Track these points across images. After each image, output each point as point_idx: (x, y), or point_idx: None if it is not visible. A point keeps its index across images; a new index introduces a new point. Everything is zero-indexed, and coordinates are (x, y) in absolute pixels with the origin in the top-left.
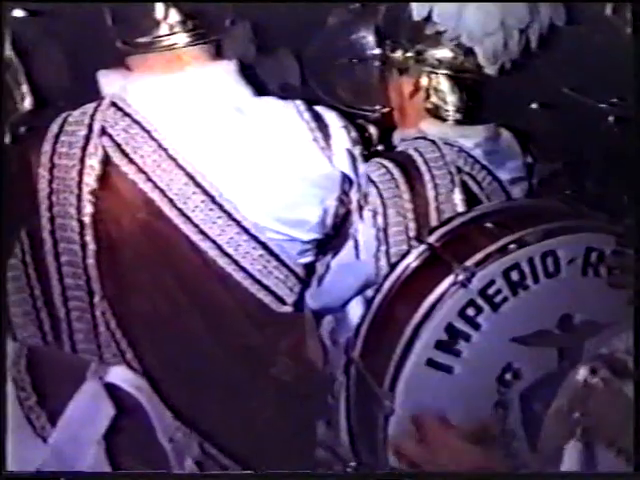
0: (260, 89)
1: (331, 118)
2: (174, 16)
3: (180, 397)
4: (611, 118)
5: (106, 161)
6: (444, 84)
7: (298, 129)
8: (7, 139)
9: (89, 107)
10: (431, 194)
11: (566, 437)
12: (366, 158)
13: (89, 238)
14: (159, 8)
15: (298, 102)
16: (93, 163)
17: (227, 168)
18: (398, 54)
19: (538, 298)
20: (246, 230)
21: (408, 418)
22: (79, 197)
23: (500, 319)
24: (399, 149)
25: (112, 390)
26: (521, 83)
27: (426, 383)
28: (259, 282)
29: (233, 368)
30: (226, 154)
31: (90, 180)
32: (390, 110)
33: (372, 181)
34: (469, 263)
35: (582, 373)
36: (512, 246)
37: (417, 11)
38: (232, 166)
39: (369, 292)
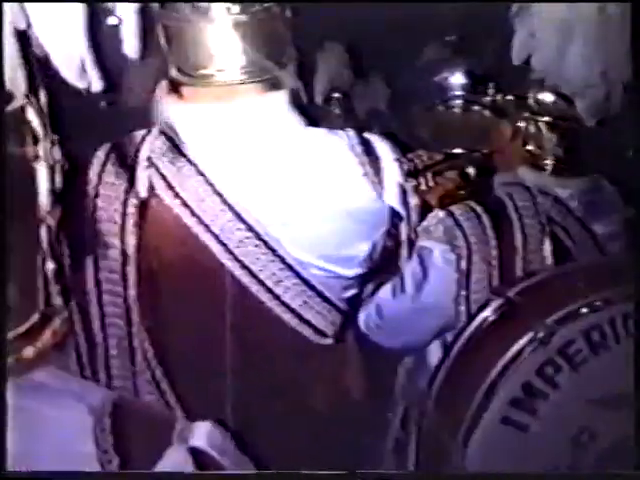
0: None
1: (383, 150)
2: (233, 50)
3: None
4: None
5: (151, 192)
6: (544, 131)
7: (348, 163)
8: None
9: (138, 135)
10: (519, 243)
11: None
12: (460, 199)
13: (131, 268)
14: (216, 41)
15: (351, 134)
16: (138, 194)
17: (273, 203)
18: (498, 97)
19: (619, 359)
20: (289, 266)
21: None
22: (122, 227)
23: (579, 379)
24: (495, 193)
25: (198, 455)
26: (624, 133)
27: (500, 441)
28: (299, 316)
29: (272, 401)
30: (273, 188)
31: (134, 211)
32: (490, 152)
33: (459, 224)
34: (550, 320)
35: None
36: (596, 305)
37: (516, 55)
38: (278, 201)
39: (448, 338)
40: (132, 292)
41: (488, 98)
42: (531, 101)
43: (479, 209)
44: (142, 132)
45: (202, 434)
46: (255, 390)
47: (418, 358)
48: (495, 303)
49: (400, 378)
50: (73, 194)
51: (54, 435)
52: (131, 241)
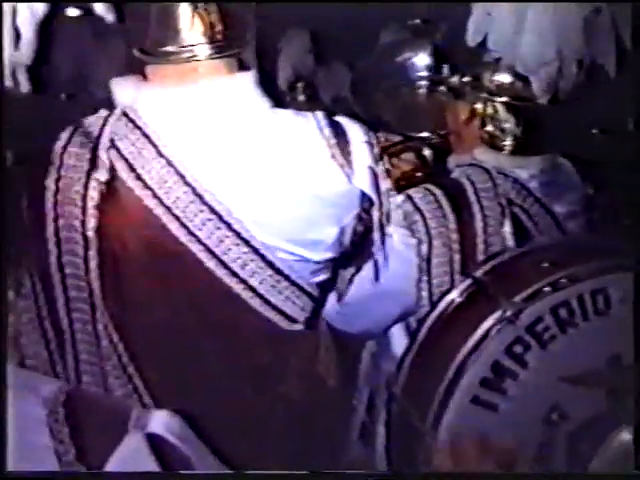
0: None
1: (354, 132)
2: (198, 27)
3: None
4: None
5: (113, 175)
6: (501, 112)
7: (316, 145)
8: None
9: (100, 117)
10: (479, 225)
11: None
12: (417, 182)
13: (92, 253)
14: (183, 17)
15: (320, 116)
16: (99, 177)
17: (238, 185)
18: (454, 78)
19: (587, 336)
20: (255, 249)
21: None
22: (84, 210)
23: (548, 357)
24: (453, 175)
25: (156, 442)
26: (581, 111)
27: (470, 421)
28: (267, 301)
29: (241, 387)
30: (238, 171)
31: (95, 194)
32: (446, 134)
33: (418, 208)
34: (517, 299)
35: (624, 436)
36: (562, 282)
37: (472, 37)
38: (243, 183)
39: (413, 324)
40: (94, 275)
41: (447, 79)
42: (488, 82)
43: (438, 192)
44: (104, 113)
45: (159, 421)
46: (223, 376)
47: (381, 343)
48: (463, 285)
49: (364, 363)
50: (36, 179)
51: (11, 428)
52: (92, 224)
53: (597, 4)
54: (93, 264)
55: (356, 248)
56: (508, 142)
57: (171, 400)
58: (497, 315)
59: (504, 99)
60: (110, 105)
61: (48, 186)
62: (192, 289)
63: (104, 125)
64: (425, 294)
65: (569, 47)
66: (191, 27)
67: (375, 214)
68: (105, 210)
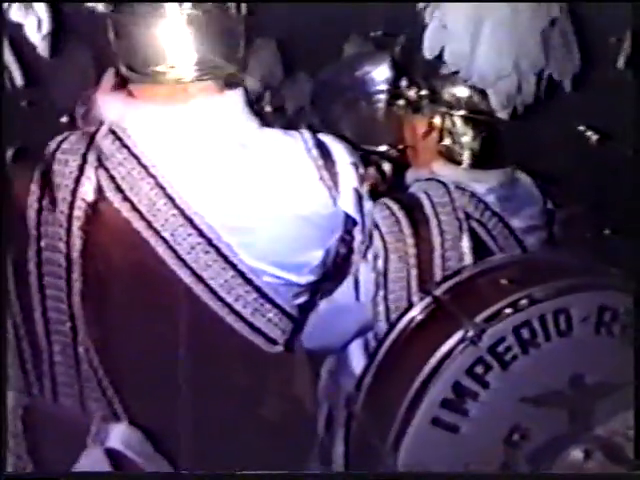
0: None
1: (339, 153)
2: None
3: (165, 440)
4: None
5: (99, 195)
6: (459, 125)
7: (305, 166)
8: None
9: (86, 133)
10: (437, 240)
11: None
12: (376, 196)
13: (76, 275)
14: (168, 38)
15: (307, 136)
16: (85, 197)
17: (227, 207)
18: (412, 92)
19: (549, 357)
20: (241, 274)
21: None
22: (68, 231)
23: (510, 378)
24: (410, 190)
25: (115, 457)
26: (540, 125)
27: (431, 442)
28: (251, 325)
29: (223, 409)
30: (227, 192)
31: (81, 214)
32: (404, 148)
33: (375, 223)
34: (479, 319)
35: (576, 455)
36: (523, 302)
37: (428, 50)
38: (232, 205)
39: (372, 342)
40: (77, 299)
41: (404, 93)
42: (445, 95)
43: (395, 207)
44: (91, 130)
45: (118, 436)
46: (205, 401)
47: (340, 359)
48: (423, 303)
49: (323, 380)
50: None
51: None
52: (77, 246)
53: (553, 16)
54: (76, 287)
55: (337, 270)
56: (466, 156)
57: (151, 424)
58: (459, 336)
59: (462, 112)
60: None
61: (30, 205)
62: (177, 313)
63: (91, 142)
64: (382, 309)
65: (527, 60)
66: (179, 46)
67: (358, 237)
68: (91, 232)
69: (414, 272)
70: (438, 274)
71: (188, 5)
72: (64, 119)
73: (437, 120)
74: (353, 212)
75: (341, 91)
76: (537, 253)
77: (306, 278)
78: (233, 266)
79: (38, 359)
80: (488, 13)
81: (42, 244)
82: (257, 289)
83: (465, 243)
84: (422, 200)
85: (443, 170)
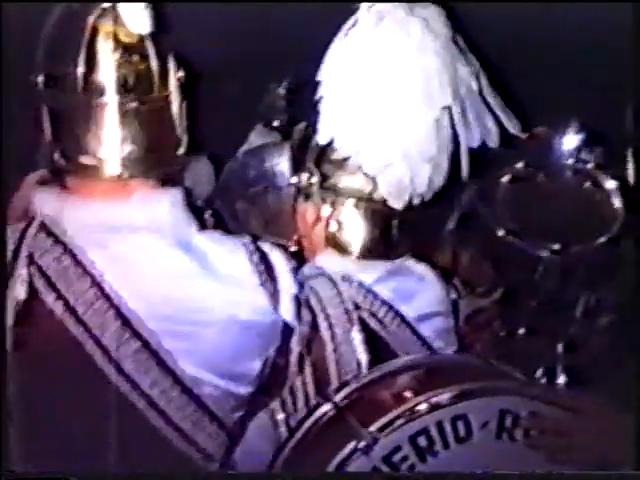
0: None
1: (277, 259)
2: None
3: None
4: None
5: (31, 294)
6: (348, 214)
7: (246, 272)
8: None
9: (17, 227)
10: (326, 334)
11: None
12: None
13: (9, 377)
14: (109, 131)
15: (247, 240)
16: (17, 295)
17: (167, 312)
18: (303, 178)
19: (448, 465)
20: (181, 383)
21: None
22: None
23: None
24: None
25: None
26: (441, 215)
27: None
28: (188, 438)
29: None
30: (167, 296)
31: (11, 314)
32: (298, 240)
33: None
34: (373, 427)
35: None
36: (421, 409)
37: (321, 136)
38: (173, 310)
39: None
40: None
41: (297, 181)
42: (336, 182)
43: None
44: (21, 225)
45: None
46: None
47: None
48: (321, 408)
49: None
50: None
51: None
52: (7, 348)
53: (446, 104)
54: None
55: (272, 382)
56: (356, 245)
57: None
58: (352, 445)
59: (351, 200)
60: None
61: None
62: (112, 423)
63: (21, 238)
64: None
65: (416, 148)
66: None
67: (296, 348)
68: (22, 333)
69: (308, 370)
70: (333, 369)
71: (130, 96)
72: None
73: (326, 208)
74: (292, 319)
75: (246, 184)
76: (438, 355)
77: (245, 389)
78: (173, 375)
79: None
80: (377, 101)
81: None
82: (197, 399)
83: (356, 335)
84: (309, 296)
85: (330, 261)
